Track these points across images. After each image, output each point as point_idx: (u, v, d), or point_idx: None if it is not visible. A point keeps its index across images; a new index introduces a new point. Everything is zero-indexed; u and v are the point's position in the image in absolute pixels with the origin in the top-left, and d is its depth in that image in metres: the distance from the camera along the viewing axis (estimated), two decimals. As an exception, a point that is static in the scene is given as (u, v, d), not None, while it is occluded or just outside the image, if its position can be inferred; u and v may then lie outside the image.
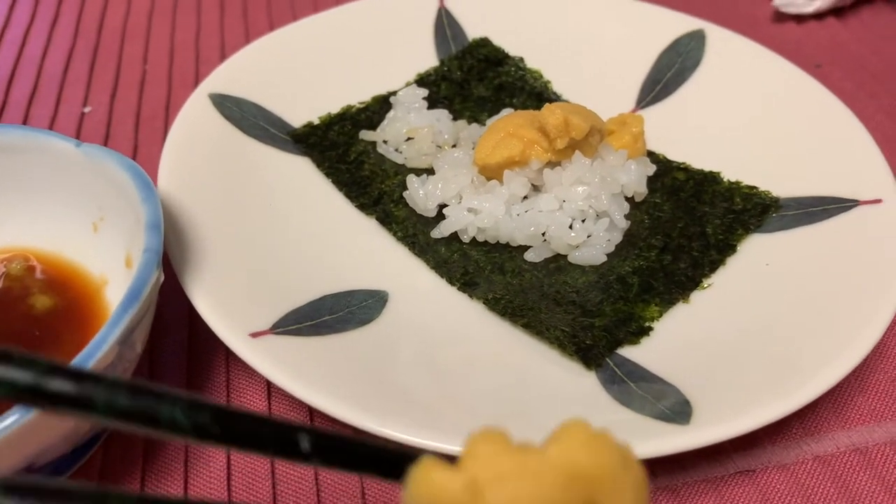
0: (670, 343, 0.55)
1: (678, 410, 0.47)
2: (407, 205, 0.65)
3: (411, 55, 0.78)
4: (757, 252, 0.61)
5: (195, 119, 0.65)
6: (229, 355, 0.57)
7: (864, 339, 0.50)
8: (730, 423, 0.45)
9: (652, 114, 0.73)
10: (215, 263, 0.54)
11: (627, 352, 0.54)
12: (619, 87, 0.76)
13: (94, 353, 0.41)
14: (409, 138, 0.70)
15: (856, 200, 0.60)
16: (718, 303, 0.58)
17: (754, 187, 0.65)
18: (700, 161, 0.68)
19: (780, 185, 0.64)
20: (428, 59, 0.79)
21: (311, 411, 0.54)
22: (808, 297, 0.55)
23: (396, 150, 0.70)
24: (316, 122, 0.71)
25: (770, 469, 0.52)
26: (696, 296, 0.59)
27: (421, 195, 0.64)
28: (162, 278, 0.48)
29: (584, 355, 0.53)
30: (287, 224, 0.61)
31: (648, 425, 0.46)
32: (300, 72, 0.74)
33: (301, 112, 0.71)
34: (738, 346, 0.53)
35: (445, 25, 0.80)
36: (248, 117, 0.68)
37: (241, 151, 0.65)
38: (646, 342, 0.55)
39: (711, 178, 0.67)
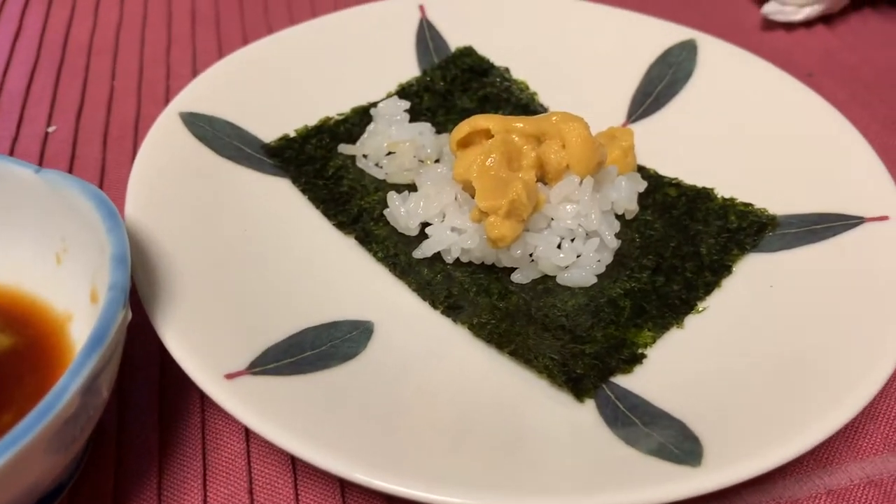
0: (669, 372, 0.52)
1: (688, 450, 0.44)
2: (388, 223, 0.62)
3: (392, 66, 0.75)
4: (758, 273, 0.58)
5: (165, 140, 0.61)
6: (205, 394, 0.54)
7: (880, 368, 0.47)
8: (744, 463, 0.42)
9: (643, 127, 0.71)
10: (187, 297, 0.51)
11: (628, 382, 0.51)
12: (608, 99, 0.73)
13: (53, 405, 0.38)
14: (390, 152, 0.66)
15: (861, 217, 0.58)
16: (717, 328, 0.55)
17: (750, 204, 0.62)
18: (694, 176, 0.66)
19: (780, 200, 0.62)
20: (409, 71, 0.76)
21: (294, 457, 0.50)
22: (816, 322, 0.52)
23: (377, 164, 0.67)
24: (292, 135, 0.68)
25: (782, 506, 0.49)
26: (691, 320, 0.56)
27: (402, 213, 0.61)
28: (129, 316, 0.45)
29: (574, 385, 0.50)
30: (264, 251, 0.58)
31: (658, 468, 0.43)
32: (276, 87, 0.70)
33: (277, 130, 0.68)
34: (743, 375, 0.50)
35: (428, 38, 0.77)
36: (221, 136, 0.64)
37: (214, 173, 0.61)
38: (646, 372, 0.52)
39: (705, 195, 0.64)
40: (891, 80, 0.85)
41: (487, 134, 0.59)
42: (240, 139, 0.65)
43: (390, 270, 0.59)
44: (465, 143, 0.61)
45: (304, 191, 0.64)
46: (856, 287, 0.53)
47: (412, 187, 0.64)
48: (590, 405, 0.49)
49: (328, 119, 0.70)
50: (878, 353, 0.48)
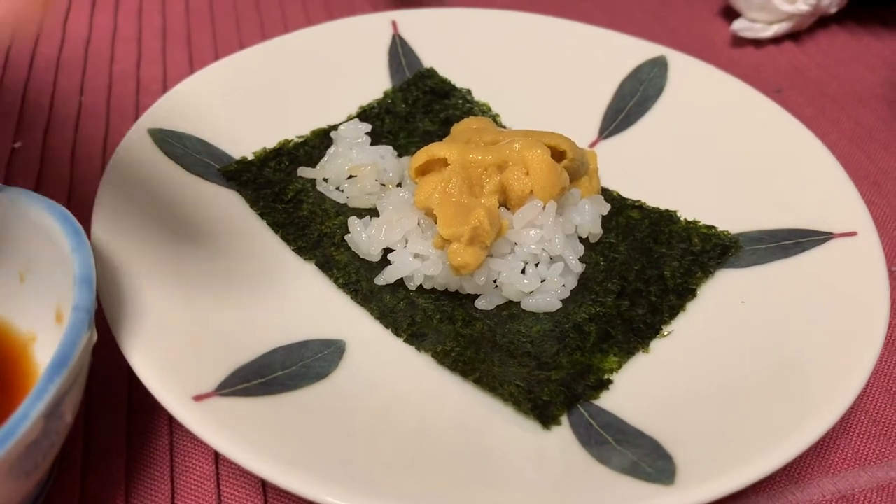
0: (641, 393, 0.51)
1: (661, 468, 0.43)
2: (349, 248, 0.61)
3: (365, 81, 0.75)
4: (728, 288, 0.58)
5: (133, 157, 0.60)
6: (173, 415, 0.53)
7: (850, 383, 0.47)
8: (717, 481, 0.42)
9: (614, 143, 0.71)
10: (155, 316, 0.50)
11: (601, 401, 0.51)
12: (580, 115, 0.73)
13: (14, 431, 0.37)
14: (351, 176, 0.65)
15: (830, 233, 0.58)
16: (685, 350, 0.54)
17: (713, 227, 0.62)
18: (664, 194, 0.66)
19: (749, 216, 0.62)
20: (383, 85, 0.75)
21: (265, 481, 0.50)
22: (786, 338, 0.52)
23: (338, 188, 0.66)
24: (251, 157, 0.67)
25: (755, 522, 0.49)
26: (658, 344, 0.55)
27: (364, 239, 0.60)
28: (95, 338, 0.44)
29: (540, 413, 0.49)
30: (234, 269, 0.57)
31: (631, 486, 0.43)
32: (248, 103, 0.70)
33: (249, 146, 0.67)
34: (715, 394, 0.50)
35: (400, 53, 0.77)
36: (190, 153, 0.64)
37: (183, 191, 0.60)
38: (619, 392, 0.52)
39: (668, 217, 0.64)
40: (858, 95, 0.86)
41: (445, 163, 0.59)
42: (210, 156, 0.64)
43: (351, 297, 0.58)
44: (424, 170, 0.60)
45: (262, 215, 0.62)
46: (825, 302, 0.54)
47: (374, 212, 0.63)
48: (563, 423, 0.49)
49: (287, 141, 0.69)
50: (848, 369, 0.48)
